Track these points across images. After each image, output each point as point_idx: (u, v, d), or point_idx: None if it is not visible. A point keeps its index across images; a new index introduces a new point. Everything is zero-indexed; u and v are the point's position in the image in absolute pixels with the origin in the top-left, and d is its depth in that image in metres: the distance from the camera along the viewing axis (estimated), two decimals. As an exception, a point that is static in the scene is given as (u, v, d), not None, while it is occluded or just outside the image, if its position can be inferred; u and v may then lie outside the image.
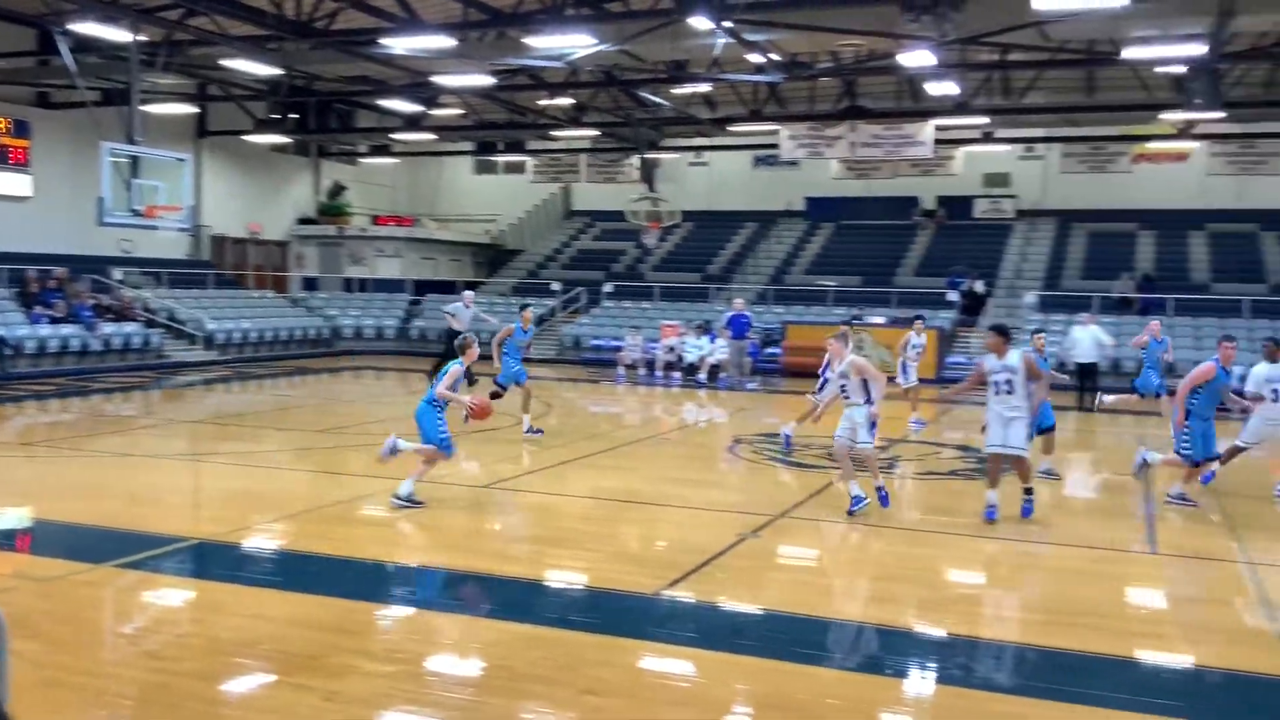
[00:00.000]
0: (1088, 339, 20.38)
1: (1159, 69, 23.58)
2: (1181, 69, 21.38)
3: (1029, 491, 10.19)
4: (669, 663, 6.30)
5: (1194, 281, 29.89)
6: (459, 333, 14.38)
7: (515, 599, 7.58)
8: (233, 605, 7.13)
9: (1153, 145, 31.09)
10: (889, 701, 5.90)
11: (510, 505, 10.89)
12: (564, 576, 8.39)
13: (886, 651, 6.72)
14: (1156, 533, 10.04)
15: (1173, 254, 31.60)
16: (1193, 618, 7.67)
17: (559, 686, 5.81)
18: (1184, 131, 28.75)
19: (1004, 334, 10.05)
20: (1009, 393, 9.87)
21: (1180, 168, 32.16)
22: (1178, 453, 10.87)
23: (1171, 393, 12.45)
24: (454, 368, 9.95)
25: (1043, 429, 11.75)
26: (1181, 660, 6.80)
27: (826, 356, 11.99)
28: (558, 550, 9.13)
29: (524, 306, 15.93)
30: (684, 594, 7.60)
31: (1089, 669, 6.32)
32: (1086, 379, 20.25)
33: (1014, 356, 9.95)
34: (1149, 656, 6.79)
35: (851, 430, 10.24)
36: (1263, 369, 11.65)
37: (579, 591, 8.02)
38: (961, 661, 6.56)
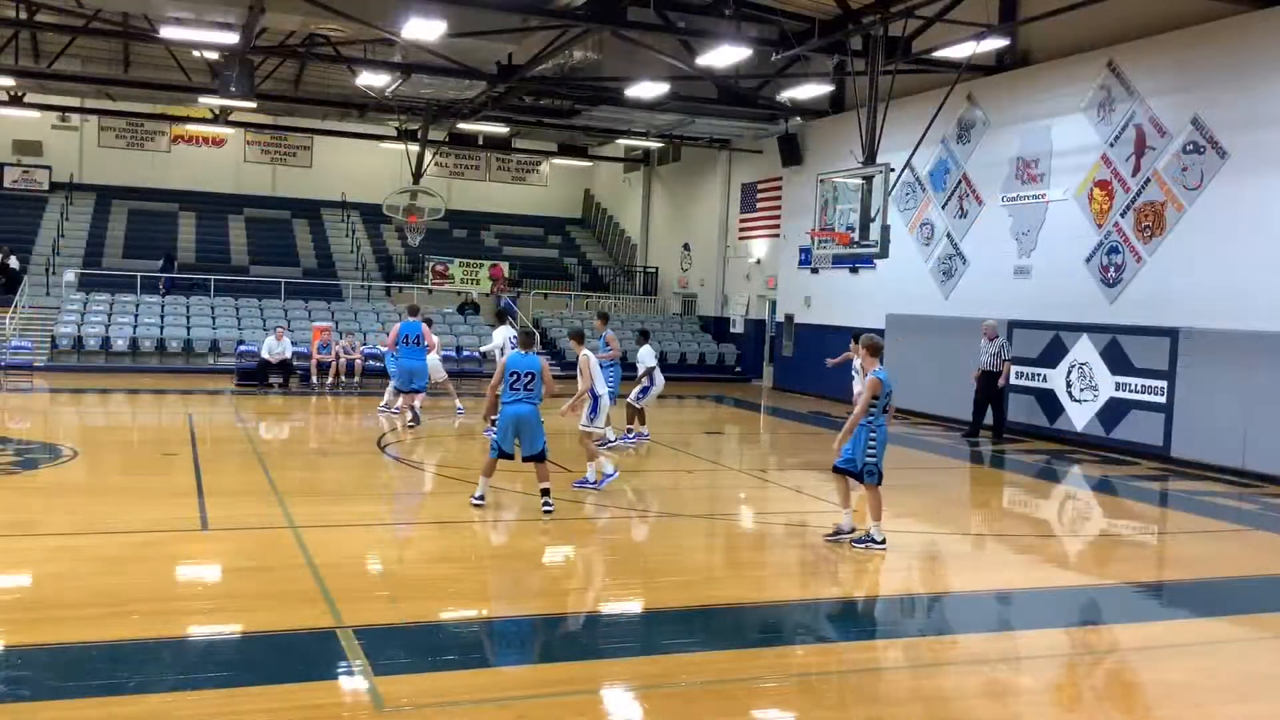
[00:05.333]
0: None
1: (196, 52, 23.99)
2: (216, 55, 22.03)
3: None
4: None
5: (234, 264, 31.13)
6: None
7: None
8: None
9: (191, 128, 31.67)
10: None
11: None
12: None
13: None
14: (208, 509, 10.29)
15: (214, 236, 32.51)
16: (245, 588, 7.99)
17: None
18: (220, 117, 29.75)
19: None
20: None
21: (219, 152, 33.26)
22: None
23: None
24: None
25: None
26: (233, 629, 7.05)
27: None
28: None
29: None
30: None
31: (146, 655, 6.25)
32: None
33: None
34: (202, 632, 6.91)
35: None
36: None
37: None
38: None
